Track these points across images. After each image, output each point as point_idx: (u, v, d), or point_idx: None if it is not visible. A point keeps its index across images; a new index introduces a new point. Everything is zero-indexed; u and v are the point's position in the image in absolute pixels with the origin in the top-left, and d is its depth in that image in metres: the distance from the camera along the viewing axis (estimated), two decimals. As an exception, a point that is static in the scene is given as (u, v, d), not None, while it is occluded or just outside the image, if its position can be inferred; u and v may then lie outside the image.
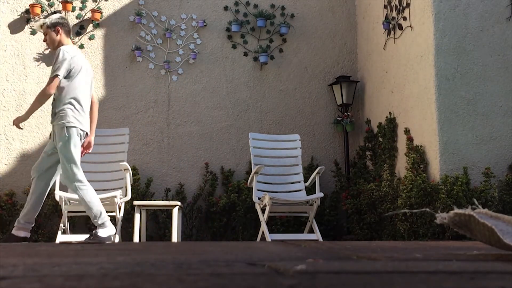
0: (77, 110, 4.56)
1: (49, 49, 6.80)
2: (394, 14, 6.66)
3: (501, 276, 1.40)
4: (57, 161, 4.61)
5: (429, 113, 5.85)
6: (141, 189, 6.56)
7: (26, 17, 6.80)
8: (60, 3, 6.81)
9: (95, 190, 5.81)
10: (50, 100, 4.66)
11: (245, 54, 7.22)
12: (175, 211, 5.73)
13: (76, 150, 4.52)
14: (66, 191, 5.69)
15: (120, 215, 5.46)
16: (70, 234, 5.65)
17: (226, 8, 7.25)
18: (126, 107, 6.90)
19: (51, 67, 4.63)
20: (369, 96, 7.17)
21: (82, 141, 4.65)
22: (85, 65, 4.70)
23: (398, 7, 6.55)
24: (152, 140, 6.91)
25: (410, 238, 5.68)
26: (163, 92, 7.00)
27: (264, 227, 5.60)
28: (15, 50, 6.75)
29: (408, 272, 1.46)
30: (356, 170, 6.95)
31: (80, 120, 4.58)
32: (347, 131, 7.20)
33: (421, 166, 5.87)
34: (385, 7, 6.86)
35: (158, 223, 6.58)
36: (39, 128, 6.66)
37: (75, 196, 5.52)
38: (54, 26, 4.67)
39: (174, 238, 5.72)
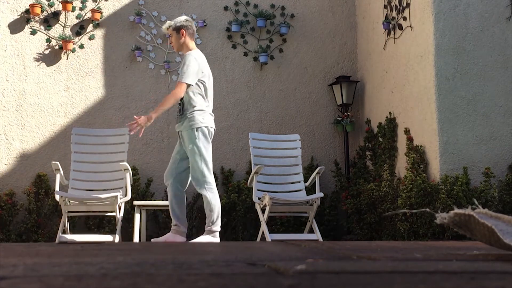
0: (204, 111, 4.67)
1: (49, 49, 6.80)
2: (394, 14, 6.66)
3: (501, 276, 1.40)
4: (189, 165, 4.71)
5: (429, 113, 5.85)
6: (141, 189, 6.57)
7: (26, 17, 6.80)
8: (60, 3, 6.81)
9: (95, 190, 5.84)
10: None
11: (245, 54, 7.22)
12: (175, 211, 5.73)
13: (206, 151, 4.62)
14: (66, 191, 5.70)
15: (120, 215, 5.46)
16: (70, 234, 5.65)
17: (226, 8, 7.25)
18: (126, 107, 6.90)
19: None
20: (369, 96, 7.17)
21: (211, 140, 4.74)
22: (208, 68, 4.83)
23: (398, 7, 6.55)
24: (152, 140, 6.91)
25: (410, 238, 5.68)
26: (163, 92, 6.99)
27: (264, 227, 5.60)
28: (15, 50, 6.75)
29: (408, 272, 1.46)
30: (356, 170, 6.95)
31: (208, 120, 4.69)
32: (347, 131, 7.20)
33: (421, 166, 5.86)
34: (385, 7, 6.86)
35: (158, 223, 6.58)
36: (39, 128, 6.66)
37: (75, 196, 5.54)
38: (179, 29, 4.78)
39: (174, 238, 5.71)
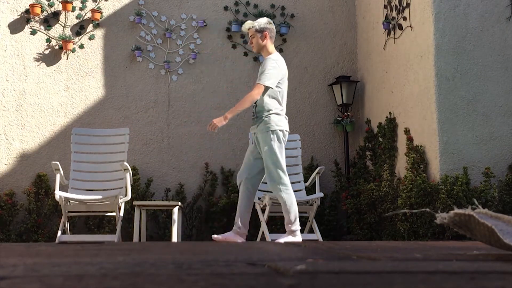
0: (279, 114, 4.70)
1: (49, 49, 6.80)
2: (394, 14, 6.66)
3: (501, 276, 1.40)
4: (263, 166, 4.72)
5: (429, 113, 5.85)
6: (141, 189, 6.56)
7: (26, 17, 6.80)
8: (60, 3, 6.81)
9: (95, 190, 5.84)
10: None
11: (245, 54, 7.22)
12: (175, 211, 5.73)
13: (281, 153, 4.64)
14: (66, 191, 5.70)
15: (120, 215, 5.46)
16: (70, 234, 5.65)
17: (226, 8, 7.26)
18: (126, 107, 6.90)
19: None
20: (369, 96, 7.17)
21: (286, 143, 4.78)
22: (287, 73, 4.84)
23: (398, 7, 6.55)
24: (152, 140, 6.91)
25: (410, 238, 5.68)
26: (163, 92, 7.00)
27: (264, 227, 5.60)
28: (15, 50, 6.75)
29: (408, 272, 1.46)
30: (356, 170, 6.95)
31: (283, 123, 4.71)
32: (347, 131, 7.20)
33: (421, 166, 5.86)
34: (385, 7, 6.86)
35: (158, 223, 6.58)
36: (39, 128, 6.66)
37: (75, 196, 5.54)
38: (262, 31, 4.78)
39: (174, 238, 5.72)
